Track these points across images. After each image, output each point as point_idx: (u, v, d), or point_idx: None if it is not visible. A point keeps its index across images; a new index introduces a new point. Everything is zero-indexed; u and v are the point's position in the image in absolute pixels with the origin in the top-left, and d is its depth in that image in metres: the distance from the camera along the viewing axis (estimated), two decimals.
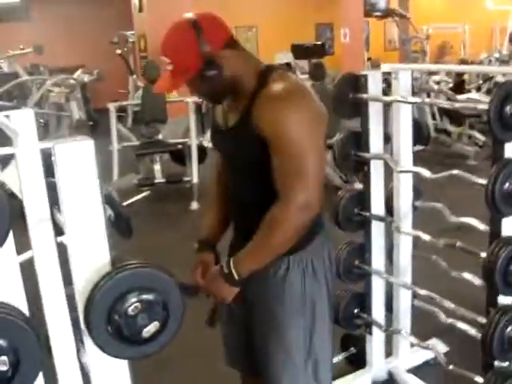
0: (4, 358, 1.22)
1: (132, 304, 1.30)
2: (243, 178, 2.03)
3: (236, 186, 2.10)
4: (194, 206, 6.53)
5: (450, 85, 7.77)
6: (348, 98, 2.73)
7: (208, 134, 7.89)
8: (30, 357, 1.26)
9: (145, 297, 1.31)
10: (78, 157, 1.27)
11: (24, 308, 1.37)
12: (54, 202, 1.53)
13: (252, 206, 2.02)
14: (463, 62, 10.10)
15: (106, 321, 1.31)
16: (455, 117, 8.10)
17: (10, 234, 1.29)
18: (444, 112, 8.23)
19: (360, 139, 2.80)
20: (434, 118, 8.53)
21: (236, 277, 1.88)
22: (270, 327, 2.01)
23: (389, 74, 2.79)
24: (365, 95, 2.70)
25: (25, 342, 1.25)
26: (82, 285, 1.34)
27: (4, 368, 1.23)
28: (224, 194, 2.22)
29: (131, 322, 1.31)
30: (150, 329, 1.33)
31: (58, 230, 1.55)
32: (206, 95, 2.03)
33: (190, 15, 1.91)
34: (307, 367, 2.03)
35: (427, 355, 3.18)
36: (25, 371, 1.26)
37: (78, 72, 7.75)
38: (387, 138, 2.88)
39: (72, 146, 1.26)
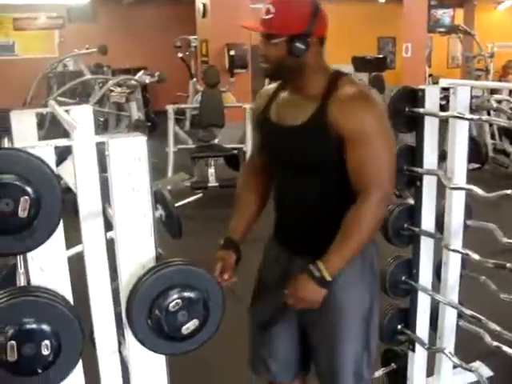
0: (47, 342, 1.26)
1: (173, 300, 1.32)
2: (306, 177, 2.06)
3: (294, 187, 2.11)
4: None
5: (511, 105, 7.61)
6: (404, 112, 2.71)
7: None
8: (70, 344, 1.30)
9: (186, 294, 1.33)
10: (130, 152, 1.29)
11: (69, 296, 1.40)
12: (106, 198, 1.58)
13: (313, 207, 2.08)
14: None
15: (147, 315, 1.33)
16: None
17: (61, 223, 1.32)
18: (504, 132, 8.07)
19: (414, 154, 2.77)
20: (493, 137, 8.37)
21: (328, 278, 1.92)
22: (332, 323, 2.09)
23: (448, 90, 2.76)
24: (421, 109, 2.68)
25: (67, 329, 1.29)
26: (127, 278, 1.36)
27: (46, 352, 1.26)
28: (256, 194, 2.28)
29: (171, 318, 1.33)
30: (190, 326, 1.35)
31: (108, 226, 1.59)
32: (274, 64, 2.02)
33: None
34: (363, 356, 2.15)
35: (470, 378, 3.12)
36: (65, 357, 1.30)
37: (140, 73, 7.88)
38: (443, 156, 2.85)
39: (125, 141, 1.29)
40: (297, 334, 2.26)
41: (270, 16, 1.93)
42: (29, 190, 1.20)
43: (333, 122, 1.93)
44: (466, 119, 2.60)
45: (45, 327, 1.27)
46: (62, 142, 1.30)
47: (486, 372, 3.16)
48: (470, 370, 2.77)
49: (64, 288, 1.39)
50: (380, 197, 1.92)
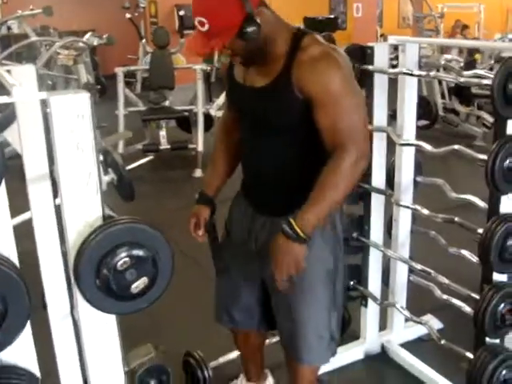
0: None
1: (121, 259, 1.30)
2: (271, 138, 2.05)
3: (260, 146, 2.11)
4: (198, 173, 6.53)
5: (461, 64, 7.67)
6: (353, 69, 2.70)
7: (215, 103, 7.88)
8: (17, 306, 1.27)
9: (134, 252, 1.31)
10: (73, 109, 1.25)
11: (14, 259, 1.37)
12: (53, 160, 1.54)
13: (277, 167, 2.08)
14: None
15: (95, 275, 1.31)
16: (464, 97, 8.03)
17: (3, 185, 1.28)
18: (453, 92, 8.17)
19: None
20: (443, 97, 8.46)
21: (302, 235, 1.90)
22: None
23: (397, 48, 2.77)
24: (370, 67, 2.68)
25: (13, 291, 1.26)
26: (74, 238, 1.34)
27: None
28: (229, 149, 2.30)
29: (120, 277, 1.31)
30: (139, 284, 1.33)
31: (57, 190, 1.55)
32: (242, 55, 1.97)
33: None
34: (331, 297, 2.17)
35: (421, 331, 3.20)
36: (12, 320, 1.27)
37: (88, 35, 7.68)
38: (393, 116, 2.87)
39: (67, 98, 1.25)
40: (260, 287, 2.30)
41: (206, 28, 1.87)
42: None
43: (297, 84, 1.91)
44: (415, 75, 2.62)
45: None
46: (1, 99, 1.25)
47: (437, 324, 3.24)
48: (421, 323, 2.83)
49: (9, 250, 1.36)
50: (357, 154, 1.88)
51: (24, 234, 1.73)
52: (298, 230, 1.89)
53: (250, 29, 1.86)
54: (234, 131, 2.27)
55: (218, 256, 2.32)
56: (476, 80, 2.30)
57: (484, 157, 2.20)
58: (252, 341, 2.56)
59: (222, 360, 2.96)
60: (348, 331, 3.21)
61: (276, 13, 2.00)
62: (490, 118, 7.51)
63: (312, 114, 1.93)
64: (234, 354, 2.93)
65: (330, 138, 1.92)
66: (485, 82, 2.22)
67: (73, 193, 1.32)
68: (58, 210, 1.64)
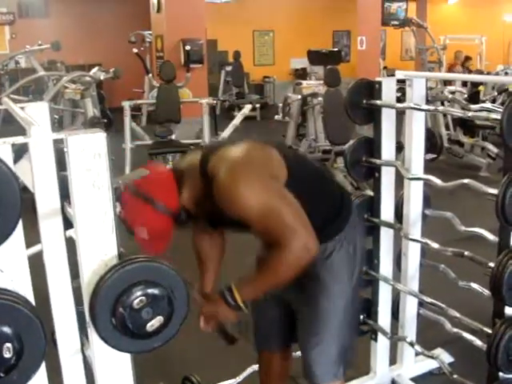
0: (8, 344, 1.23)
1: (137, 297, 1.30)
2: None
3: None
4: None
5: (465, 96, 7.73)
6: (361, 104, 2.73)
7: (221, 136, 7.92)
8: (33, 345, 1.27)
9: (150, 291, 1.32)
10: (89, 148, 1.27)
11: (30, 297, 1.38)
12: (65, 196, 1.55)
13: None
14: (479, 73, 10.07)
15: (111, 313, 1.32)
16: (468, 128, 8.08)
17: (20, 222, 1.29)
18: (458, 123, 8.21)
19: (372, 145, 2.80)
20: (447, 128, 8.50)
21: (238, 304, 2.01)
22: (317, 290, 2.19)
23: (404, 82, 2.79)
24: (378, 101, 2.70)
25: (29, 330, 1.26)
26: (89, 277, 1.34)
27: (8, 355, 1.24)
28: (211, 242, 2.42)
29: (136, 316, 1.31)
30: (154, 323, 1.34)
31: (67, 224, 1.56)
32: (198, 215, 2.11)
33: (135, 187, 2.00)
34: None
35: (432, 365, 3.17)
36: (28, 359, 1.27)
37: (95, 69, 7.76)
38: (400, 148, 2.88)
39: (84, 138, 1.27)
40: (282, 309, 2.40)
41: (146, 236, 1.99)
42: None
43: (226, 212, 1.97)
44: (423, 110, 2.64)
45: (6, 329, 1.24)
46: (19, 140, 1.27)
47: (447, 358, 3.21)
48: (432, 357, 2.81)
49: (25, 289, 1.36)
50: (298, 247, 1.91)
51: (33, 268, 1.73)
52: (236, 298, 2.00)
53: (181, 217, 2.03)
54: (211, 233, 2.38)
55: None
56: (484, 114, 2.32)
57: (494, 191, 2.21)
58: (276, 366, 2.59)
59: None
60: (358, 366, 3.19)
61: (187, 168, 2.10)
62: (494, 149, 7.54)
63: None
64: (231, 381, 3.00)
65: (268, 238, 2.00)
66: (493, 116, 2.24)
67: (89, 231, 1.33)
68: (68, 243, 1.65)
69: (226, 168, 1.95)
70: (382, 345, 3.04)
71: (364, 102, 2.73)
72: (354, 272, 2.24)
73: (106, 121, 7.21)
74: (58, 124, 8.12)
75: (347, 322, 2.26)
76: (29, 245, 2.15)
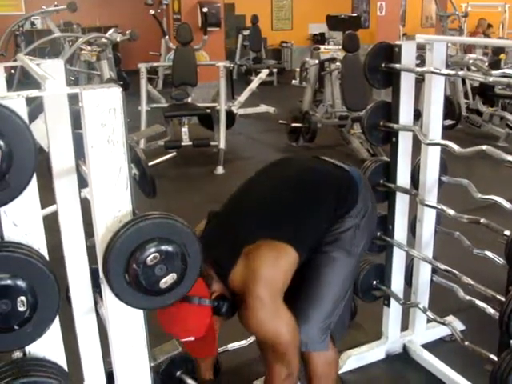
0: (22, 298, 1.24)
1: (151, 254, 1.30)
2: None
3: None
4: (220, 170, 6.54)
5: (486, 64, 7.61)
6: (380, 67, 2.69)
7: (237, 100, 7.88)
8: (47, 299, 1.28)
9: (164, 248, 1.31)
10: (104, 103, 1.26)
11: (44, 252, 1.38)
12: (79, 155, 1.54)
13: None
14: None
15: (125, 269, 1.32)
16: (488, 97, 7.97)
17: (34, 177, 1.29)
18: (477, 92, 8.10)
19: (390, 110, 2.76)
20: (466, 97, 8.40)
21: None
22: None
23: (423, 49, 2.74)
24: (397, 65, 2.66)
25: (43, 284, 1.27)
26: (103, 233, 1.34)
27: (22, 308, 1.25)
28: None
29: (149, 272, 1.31)
30: (168, 280, 1.34)
31: (82, 183, 1.56)
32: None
33: None
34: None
35: (443, 331, 3.18)
36: (42, 313, 1.28)
37: (111, 31, 7.71)
38: (418, 115, 2.84)
39: (99, 92, 1.25)
40: None
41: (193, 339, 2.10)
42: (0, 142, 1.17)
43: None
44: (443, 74, 2.59)
45: (20, 283, 1.25)
46: (33, 93, 1.25)
47: (459, 325, 3.21)
48: (444, 324, 2.80)
49: (39, 243, 1.37)
50: (283, 377, 2.15)
51: (47, 229, 1.73)
52: None
53: (225, 308, 2.12)
54: None
55: None
56: (506, 80, 2.28)
57: None
58: None
59: (230, 346, 3.00)
60: (369, 331, 3.21)
61: (206, 272, 2.10)
62: None
63: None
64: (241, 342, 3.01)
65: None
66: None
67: (103, 187, 1.32)
68: (82, 203, 1.65)
69: (251, 293, 2.05)
70: (394, 310, 3.05)
71: (383, 65, 2.68)
72: (359, 244, 2.30)
73: (121, 83, 7.17)
74: (74, 85, 8.11)
75: (343, 293, 2.33)
76: (44, 206, 2.16)
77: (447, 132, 2.95)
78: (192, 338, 2.06)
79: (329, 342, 2.34)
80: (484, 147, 2.42)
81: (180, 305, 1.91)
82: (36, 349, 1.42)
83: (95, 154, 1.30)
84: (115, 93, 1.27)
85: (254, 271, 2.03)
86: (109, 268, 1.31)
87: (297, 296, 2.26)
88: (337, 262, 2.26)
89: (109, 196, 1.33)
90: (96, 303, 1.74)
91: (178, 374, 2.49)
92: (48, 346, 1.44)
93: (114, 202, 1.33)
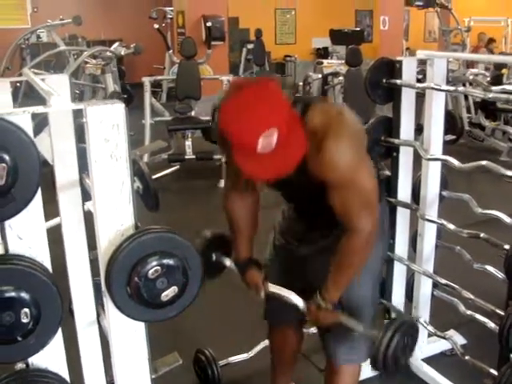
0: (26, 310, 1.26)
1: (152, 267, 1.32)
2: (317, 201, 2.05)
3: (303, 205, 2.24)
4: (223, 183, 6.56)
5: (488, 79, 7.64)
6: (381, 83, 2.72)
7: None
8: (50, 311, 1.30)
9: (165, 261, 1.33)
10: (108, 119, 1.29)
11: (48, 264, 1.40)
12: (82, 168, 1.57)
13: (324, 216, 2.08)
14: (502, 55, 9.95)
15: (127, 283, 1.34)
16: (490, 111, 7.99)
17: (39, 190, 1.31)
18: (479, 106, 8.12)
19: (391, 125, 2.79)
20: (468, 111, 8.42)
21: (331, 307, 2.11)
22: None
23: (425, 63, 2.77)
24: (398, 81, 2.69)
25: (46, 296, 1.29)
26: (106, 246, 1.36)
27: (26, 320, 1.27)
28: (247, 211, 2.31)
29: (150, 285, 1.33)
30: (169, 293, 1.36)
31: (86, 197, 1.58)
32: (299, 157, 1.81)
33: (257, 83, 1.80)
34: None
35: (444, 346, 3.18)
36: (45, 325, 1.30)
37: (115, 45, 7.77)
38: (420, 130, 2.87)
39: (103, 108, 1.28)
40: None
41: (275, 136, 1.69)
42: (6, 157, 1.19)
43: (311, 171, 1.88)
44: (443, 90, 2.62)
45: (23, 295, 1.27)
46: (39, 109, 1.28)
47: (460, 340, 3.22)
48: (445, 338, 2.82)
49: (43, 256, 1.39)
50: (368, 231, 1.98)
51: (51, 241, 1.76)
52: (325, 304, 2.10)
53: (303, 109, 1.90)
54: (246, 191, 2.25)
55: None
56: (505, 96, 2.30)
57: None
58: (290, 345, 2.60)
59: (231, 359, 3.01)
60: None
61: None
62: None
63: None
64: (243, 355, 3.03)
65: (341, 215, 1.98)
66: None
67: (106, 201, 1.34)
68: (86, 216, 1.67)
69: (336, 121, 1.87)
70: None
71: (384, 81, 2.71)
72: (384, 247, 2.32)
73: (126, 96, 7.23)
74: (78, 99, 8.16)
75: (374, 298, 2.35)
76: (48, 219, 2.19)
77: (449, 146, 2.98)
78: (275, 133, 1.68)
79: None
80: (484, 162, 2.45)
81: (268, 85, 1.73)
82: (39, 360, 1.44)
83: (99, 169, 1.32)
84: (118, 109, 1.30)
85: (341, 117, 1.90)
86: (111, 281, 1.33)
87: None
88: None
89: (112, 210, 1.35)
90: (98, 315, 1.75)
91: (214, 257, 2.44)
92: (50, 357, 1.46)
93: (117, 216, 1.36)
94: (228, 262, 2.42)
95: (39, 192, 1.33)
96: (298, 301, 2.19)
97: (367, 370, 3.05)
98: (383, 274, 2.84)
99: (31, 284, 1.27)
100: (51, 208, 1.73)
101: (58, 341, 1.45)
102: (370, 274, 2.24)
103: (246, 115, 1.68)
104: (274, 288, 2.26)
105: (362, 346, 2.25)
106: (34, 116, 1.33)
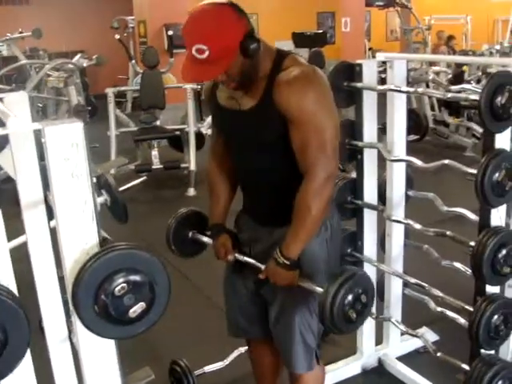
0: None
1: (119, 284, 1.31)
2: (261, 155, 2.12)
3: (253, 164, 2.17)
4: (191, 192, 6.56)
5: (449, 76, 7.74)
6: (343, 87, 2.74)
7: (206, 121, 7.90)
8: (17, 335, 1.28)
9: (132, 278, 1.32)
10: (67, 138, 1.27)
11: (13, 287, 1.39)
12: (48, 185, 1.55)
13: (271, 180, 2.15)
14: (463, 53, 10.08)
15: (94, 301, 1.32)
16: (454, 108, 8.10)
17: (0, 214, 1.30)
18: (443, 103, 8.23)
19: (354, 128, 2.81)
20: (433, 109, 8.53)
21: (289, 263, 2.04)
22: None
23: (385, 63, 2.80)
24: (359, 84, 2.71)
25: (12, 321, 1.27)
26: (71, 265, 1.35)
27: None
28: (227, 176, 2.35)
29: (118, 303, 1.32)
30: (137, 309, 1.35)
31: (52, 214, 1.57)
32: (237, 79, 1.99)
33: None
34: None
35: (418, 343, 3.22)
36: (12, 349, 1.28)
37: (77, 57, 7.70)
38: (385, 129, 2.89)
39: (61, 128, 1.27)
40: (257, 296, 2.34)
41: (205, 55, 1.88)
42: None
43: (277, 104, 1.97)
44: (403, 92, 2.65)
45: None
46: None
47: (432, 337, 3.26)
48: (417, 336, 2.85)
49: (7, 279, 1.37)
50: (324, 176, 1.97)
51: (18, 257, 1.74)
52: (284, 260, 2.04)
53: (253, 45, 1.93)
54: (227, 156, 2.31)
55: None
56: (463, 96, 2.34)
57: (473, 171, 2.23)
58: (267, 357, 2.56)
59: (206, 368, 2.99)
60: (345, 346, 3.23)
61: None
62: (479, 129, 7.56)
63: (288, 133, 2.00)
64: (218, 364, 3.01)
65: (301, 158, 2.00)
66: (472, 97, 2.25)
67: (69, 220, 1.33)
68: (53, 233, 1.66)
69: (310, 70, 1.99)
70: (368, 325, 3.08)
71: (345, 84, 2.74)
72: (329, 261, 2.22)
73: (90, 108, 7.16)
74: (42, 112, 8.07)
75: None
76: (14, 235, 2.16)
77: (415, 144, 3.01)
78: (207, 52, 1.87)
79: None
80: (446, 161, 2.49)
81: (223, 7, 1.91)
82: None
83: (60, 188, 1.31)
84: (77, 127, 1.29)
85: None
86: (78, 301, 1.32)
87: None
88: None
89: (75, 229, 1.34)
90: (70, 332, 1.74)
91: (191, 234, 2.47)
92: (19, 380, 1.44)
93: (81, 235, 1.35)
94: (205, 239, 2.43)
95: (0, 215, 1.31)
96: (261, 265, 2.15)
97: (346, 370, 3.09)
98: None
99: None
100: (16, 222, 1.72)
101: (26, 363, 1.44)
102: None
103: (192, 25, 1.92)
104: (240, 256, 2.26)
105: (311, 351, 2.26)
106: None
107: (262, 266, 2.14)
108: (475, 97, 2.19)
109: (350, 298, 1.88)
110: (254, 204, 2.29)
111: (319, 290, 1.96)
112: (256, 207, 2.28)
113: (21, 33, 8.94)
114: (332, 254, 2.24)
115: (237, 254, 2.27)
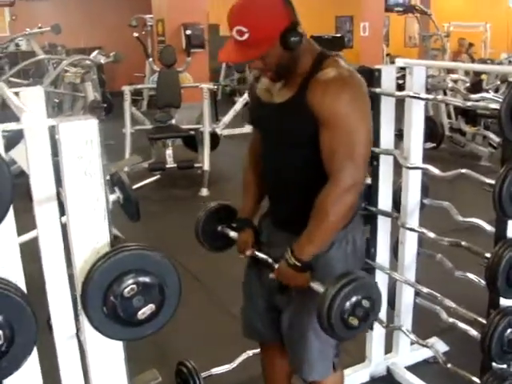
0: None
1: (128, 286, 1.30)
2: (288, 152, 2.09)
3: (279, 162, 2.15)
4: (204, 192, 6.54)
5: (467, 84, 7.69)
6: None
7: (222, 121, 7.90)
8: (24, 332, 1.27)
9: (141, 279, 1.31)
10: (81, 135, 1.26)
11: (22, 284, 1.37)
12: (60, 181, 1.54)
13: (295, 181, 2.12)
14: (482, 61, 10.02)
15: (102, 302, 1.31)
16: (470, 117, 8.04)
17: (11, 209, 1.28)
18: (460, 112, 8.17)
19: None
20: (449, 117, 8.47)
21: (300, 264, 1.99)
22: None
23: (404, 69, 2.77)
24: (378, 89, 2.68)
25: (20, 318, 1.26)
26: (81, 265, 1.34)
27: None
28: (259, 172, 2.31)
29: (127, 304, 1.31)
30: (146, 311, 1.33)
31: (63, 210, 1.55)
32: (274, 69, 1.99)
33: None
34: None
35: (427, 353, 3.18)
36: (19, 346, 1.27)
37: (95, 53, 7.71)
38: (401, 135, 2.86)
39: (76, 125, 1.26)
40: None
41: (245, 37, 1.89)
42: None
43: (310, 104, 1.94)
44: (422, 99, 2.62)
45: None
46: (10, 126, 1.25)
47: (442, 347, 3.22)
48: (427, 346, 2.81)
49: (16, 276, 1.36)
50: (350, 183, 1.93)
51: (29, 254, 1.73)
52: (295, 261, 2.00)
53: (294, 38, 1.91)
54: (260, 156, 2.29)
55: None
56: (483, 104, 2.30)
57: (491, 181, 2.20)
58: (279, 363, 2.52)
59: (214, 370, 2.96)
60: (353, 353, 3.20)
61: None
62: (496, 138, 7.51)
63: (318, 134, 1.96)
64: (226, 366, 2.98)
65: (328, 163, 1.96)
66: (492, 106, 2.22)
67: (80, 218, 1.32)
68: (64, 229, 1.64)
69: (348, 73, 1.97)
70: (377, 333, 3.05)
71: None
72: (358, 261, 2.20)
73: (106, 105, 7.17)
74: (58, 108, 8.09)
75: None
76: (25, 230, 2.15)
77: (431, 152, 2.98)
78: (246, 35, 1.88)
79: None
80: (464, 170, 2.45)
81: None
82: (13, 382, 1.41)
83: (72, 186, 1.30)
84: (92, 124, 1.27)
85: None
86: (87, 300, 1.31)
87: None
88: None
89: (86, 227, 1.32)
90: (78, 330, 1.73)
91: (220, 228, 2.45)
92: (25, 379, 1.43)
93: (92, 234, 1.33)
94: (232, 233, 2.41)
95: (11, 211, 1.30)
96: (276, 265, 2.11)
97: (354, 378, 3.06)
98: None
99: (4, 305, 1.24)
100: (29, 218, 1.71)
101: (33, 361, 1.42)
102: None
103: (238, 7, 1.93)
104: (259, 254, 2.24)
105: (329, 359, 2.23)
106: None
107: (276, 265, 2.12)
108: (495, 106, 2.16)
109: (351, 301, 1.81)
110: (275, 207, 2.27)
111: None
112: (278, 210, 2.26)
113: (40, 28, 8.98)
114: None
115: (256, 251, 2.25)
